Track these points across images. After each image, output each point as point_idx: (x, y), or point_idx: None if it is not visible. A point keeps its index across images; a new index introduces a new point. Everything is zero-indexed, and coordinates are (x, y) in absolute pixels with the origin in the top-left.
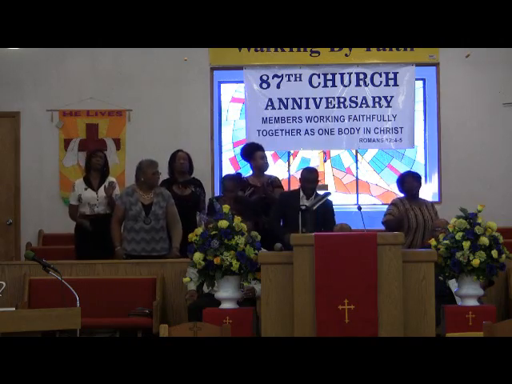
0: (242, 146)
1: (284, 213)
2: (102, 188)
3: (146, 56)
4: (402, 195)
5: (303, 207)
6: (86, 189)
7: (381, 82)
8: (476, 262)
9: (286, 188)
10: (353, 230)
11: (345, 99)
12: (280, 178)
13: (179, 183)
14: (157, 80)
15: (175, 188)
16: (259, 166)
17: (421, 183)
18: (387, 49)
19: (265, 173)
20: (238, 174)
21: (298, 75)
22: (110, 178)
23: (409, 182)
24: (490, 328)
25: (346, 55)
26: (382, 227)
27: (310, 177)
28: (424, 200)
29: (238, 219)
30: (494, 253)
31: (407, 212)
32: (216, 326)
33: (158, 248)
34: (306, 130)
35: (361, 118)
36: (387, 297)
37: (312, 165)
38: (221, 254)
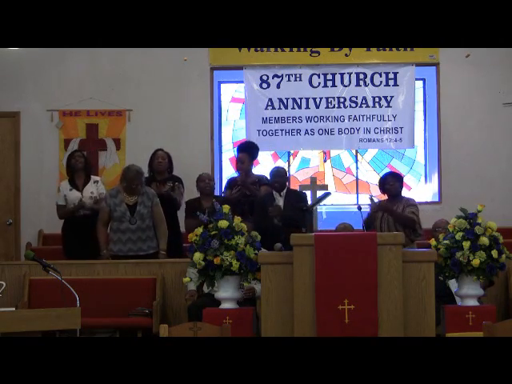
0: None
1: (264, 215)
2: (86, 188)
3: (146, 56)
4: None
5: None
6: (70, 189)
7: (381, 81)
8: (476, 261)
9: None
10: (353, 230)
11: (345, 99)
12: None
13: (157, 181)
14: (157, 80)
15: (153, 186)
16: (236, 167)
17: (402, 183)
18: (387, 49)
19: (253, 172)
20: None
21: (297, 75)
22: (95, 178)
23: (390, 182)
24: (490, 328)
25: (346, 55)
26: None
27: (278, 172)
28: (405, 198)
29: (237, 219)
30: (494, 253)
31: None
32: (216, 326)
33: (144, 247)
34: (306, 130)
35: (361, 117)
36: (387, 297)
37: (312, 165)
38: (221, 254)
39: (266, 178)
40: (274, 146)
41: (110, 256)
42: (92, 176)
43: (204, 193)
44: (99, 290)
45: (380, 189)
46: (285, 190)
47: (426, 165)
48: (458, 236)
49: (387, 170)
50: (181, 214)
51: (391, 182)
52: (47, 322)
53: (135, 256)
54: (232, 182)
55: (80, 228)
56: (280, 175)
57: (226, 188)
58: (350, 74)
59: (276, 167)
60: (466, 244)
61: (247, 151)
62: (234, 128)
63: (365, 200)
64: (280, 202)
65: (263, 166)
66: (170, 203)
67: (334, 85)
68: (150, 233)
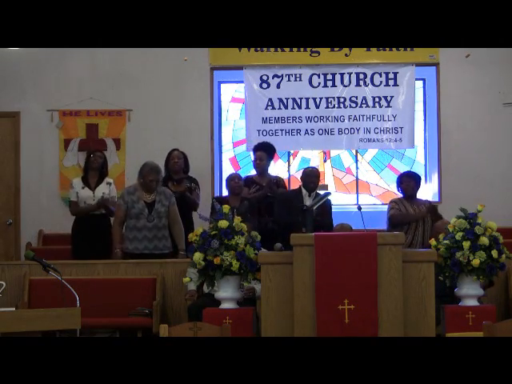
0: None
1: (289, 211)
2: (99, 188)
3: (146, 56)
4: (401, 195)
5: (304, 207)
6: (83, 187)
7: (381, 81)
8: (476, 261)
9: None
10: (353, 230)
11: (345, 99)
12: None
13: (174, 180)
14: (157, 80)
15: (170, 185)
16: (254, 165)
17: (419, 183)
18: (387, 49)
19: (269, 173)
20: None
21: (297, 75)
22: (108, 179)
23: (405, 182)
24: (490, 328)
25: (346, 55)
26: (382, 227)
27: (312, 172)
28: (422, 200)
29: (238, 219)
30: (494, 253)
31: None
32: (216, 326)
33: (160, 246)
34: (306, 130)
35: (361, 117)
36: (387, 297)
37: (312, 165)
38: (221, 254)
39: (283, 180)
40: None
41: (122, 256)
42: (106, 178)
43: (234, 192)
44: (99, 289)
45: (397, 187)
46: (314, 193)
47: (426, 165)
48: (458, 236)
49: (387, 170)
50: (195, 215)
51: (406, 182)
52: (47, 322)
53: (150, 255)
54: (248, 181)
55: (90, 228)
56: (315, 175)
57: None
58: (350, 74)
59: (310, 167)
60: (466, 244)
61: (265, 150)
62: (233, 128)
63: (365, 200)
64: (307, 202)
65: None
66: (185, 203)
67: (334, 85)
68: (165, 232)
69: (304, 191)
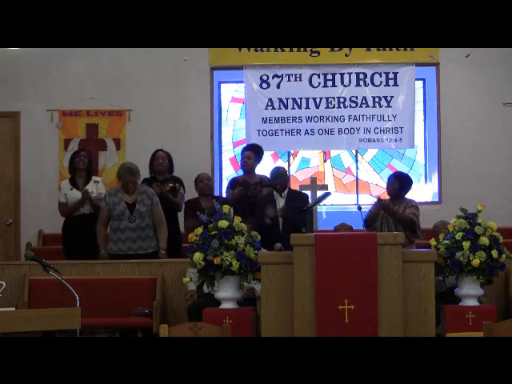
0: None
1: (264, 212)
2: (87, 188)
3: (146, 56)
4: None
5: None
6: (71, 189)
7: (381, 82)
8: (476, 261)
9: None
10: (353, 230)
11: (345, 99)
12: None
13: (158, 181)
14: (157, 80)
15: (154, 187)
16: (242, 164)
17: (406, 186)
18: (387, 49)
19: (256, 173)
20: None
21: (297, 75)
22: (96, 178)
23: (389, 182)
24: (490, 328)
25: (346, 55)
26: None
27: (277, 172)
28: (408, 200)
29: (237, 219)
30: (494, 253)
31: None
32: (216, 326)
33: (144, 246)
34: (306, 130)
35: (361, 117)
36: (387, 297)
37: (312, 165)
38: (221, 254)
39: (268, 178)
40: (274, 145)
41: (108, 256)
42: (93, 176)
43: (203, 193)
44: (99, 289)
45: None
46: (286, 191)
47: (425, 165)
48: (458, 236)
49: (387, 170)
50: (181, 215)
51: (389, 182)
52: (47, 321)
53: (135, 255)
54: (234, 182)
55: (80, 228)
56: (280, 175)
57: (228, 188)
58: (350, 74)
59: (276, 167)
60: (466, 244)
61: (253, 150)
62: (234, 128)
63: (365, 200)
64: (281, 202)
65: (263, 166)
66: (168, 204)
67: (334, 85)
68: (149, 232)
69: (275, 193)
